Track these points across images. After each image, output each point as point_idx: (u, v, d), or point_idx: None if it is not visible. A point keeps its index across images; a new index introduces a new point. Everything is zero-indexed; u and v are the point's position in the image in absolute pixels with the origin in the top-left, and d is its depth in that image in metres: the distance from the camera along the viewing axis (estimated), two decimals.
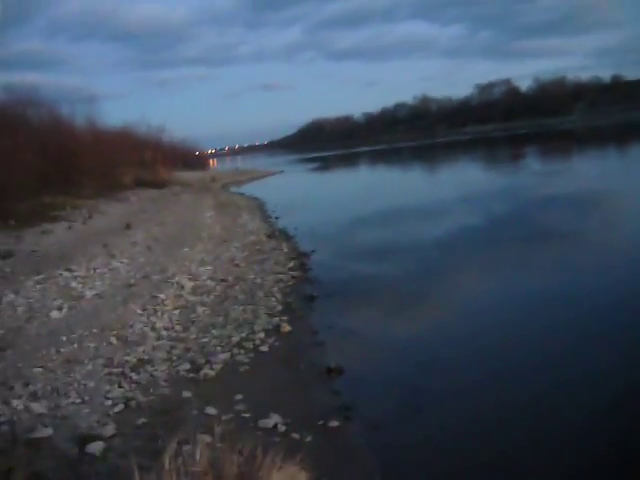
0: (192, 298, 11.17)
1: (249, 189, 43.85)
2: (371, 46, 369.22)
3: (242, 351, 8.61)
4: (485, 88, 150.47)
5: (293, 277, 13.30)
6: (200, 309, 10.47)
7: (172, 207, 27.82)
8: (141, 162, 46.21)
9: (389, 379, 7.72)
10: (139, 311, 10.02)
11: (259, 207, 29.70)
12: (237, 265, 14.18)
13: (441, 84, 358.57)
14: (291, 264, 14.59)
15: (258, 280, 12.77)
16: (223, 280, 12.69)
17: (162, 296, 10.84)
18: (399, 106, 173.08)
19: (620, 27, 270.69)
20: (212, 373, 7.76)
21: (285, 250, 16.56)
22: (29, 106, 32.67)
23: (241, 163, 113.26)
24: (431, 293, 11.78)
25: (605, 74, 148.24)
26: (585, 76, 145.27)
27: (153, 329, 9.33)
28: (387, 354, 8.62)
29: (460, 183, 32.16)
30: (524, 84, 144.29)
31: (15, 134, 25.70)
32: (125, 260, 13.95)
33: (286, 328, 9.58)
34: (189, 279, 12.29)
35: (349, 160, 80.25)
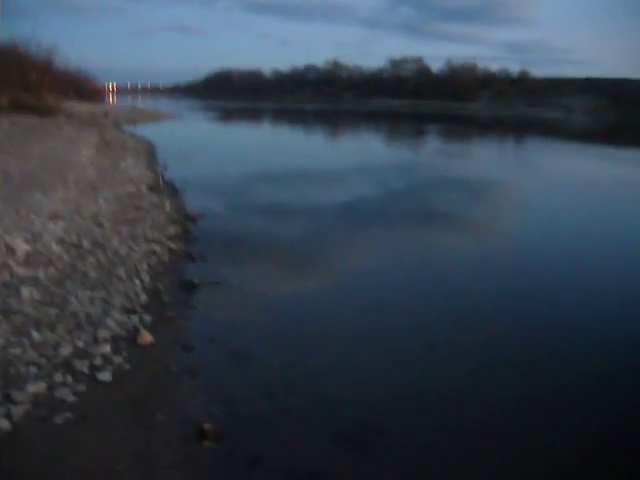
0: (21, 271, 7.83)
1: (143, 130, 39.65)
2: (291, 3, 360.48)
3: (69, 378, 5.49)
4: (397, 63, 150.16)
5: (171, 250, 10.20)
6: (26, 291, 7.17)
7: (46, 139, 23.69)
8: (24, 84, 40.97)
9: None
10: None
11: (148, 151, 25.99)
12: (100, 225, 10.83)
13: (354, 52, 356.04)
14: (172, 230, 11.44)
15: (123, 250, 9.54)
16: (75, 245, 9.38)
17: None
18: (309, 68, 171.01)
19: (531, 25, 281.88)
20: (5, 426, 4.63)
21: (167, 209, 13.35)
22: None
23: (141, 103, 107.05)
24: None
25: (513, 68, 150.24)
26: (494, 67, 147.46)
27: None
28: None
29: (359, 153, 31.73)
30: (435, 65, 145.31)
31: None
32: None
33: (146, 338, 6.51)
34: (26, 241, 8.89)
35: (253, 115, 77.75)
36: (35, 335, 6.12)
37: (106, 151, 23.31)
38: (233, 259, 10.34)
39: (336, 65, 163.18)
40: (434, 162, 28.32)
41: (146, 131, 38.91)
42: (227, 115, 73.11)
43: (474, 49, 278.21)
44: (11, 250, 8.35)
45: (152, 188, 15.66)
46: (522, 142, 46.51)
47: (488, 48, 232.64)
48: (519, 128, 61.22)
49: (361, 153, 31.68)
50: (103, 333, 6.42)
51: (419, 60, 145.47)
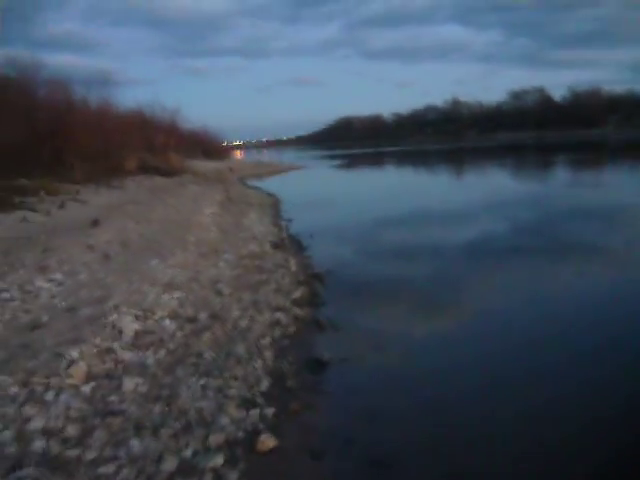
0: (126, 356, 6.88)
1: (268, 184, 39.59)
2: (407, 47, 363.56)
3: None
4: (518, 95, 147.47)
5: (297, 318, 9.02)
6: (130, 383, 6.17)
7: (171, 199, 23.57)
8: (151, 147, 42.06)
9: None
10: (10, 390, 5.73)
11: (273, 205, 25.40)
12: (219, 292, 9.86)
13: (473, 89, 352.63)
14: (298, 293, 10.29)
15: (244, 322, 8.47)
16: (190, 320, 8.41)
17: (74, 354, 6.53)
18: (429, 108, 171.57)
19: None
20: None
21: (293, 268, 12.29)
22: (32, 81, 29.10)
23: (266, 156, 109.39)
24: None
25: None
26: (620, 89, 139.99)
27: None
28: None
29: (487, 189, 30.06)
30: (557, 93, 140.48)
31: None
32: (59, 276, 9.68)
33: (267, 443, 5.27)
34: (136, 318, 8.00)
35: (376, 159, 77.16)
36: (134, 444, 5.04)
37: (229, 208, 22.86)
38: (366, 324, 9.04)
39: (456, 103, 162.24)
40: (565, 193, 26.48)
41: (271, 184, 38.81)
42: (350, 162, 72.59)
43: (596, 73, 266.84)
44: (118, 331, 7.45)
45: (276, 245, 14.73)
46: None
47: (611, 71, 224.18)
48: None
49: (488, 189, 30.23)
50: (216, 437, 5.25)
51: (540, 90, 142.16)
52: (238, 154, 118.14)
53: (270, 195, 30.52)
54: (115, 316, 7.75)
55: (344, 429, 5.71)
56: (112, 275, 10.00)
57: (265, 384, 6.56)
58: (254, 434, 5.42)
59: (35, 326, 7.39)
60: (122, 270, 10.41)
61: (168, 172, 37.70)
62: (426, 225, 19.12)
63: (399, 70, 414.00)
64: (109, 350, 6.92)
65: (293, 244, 15.56)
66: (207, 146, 66.71)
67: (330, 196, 30.49)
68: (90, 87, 36.56)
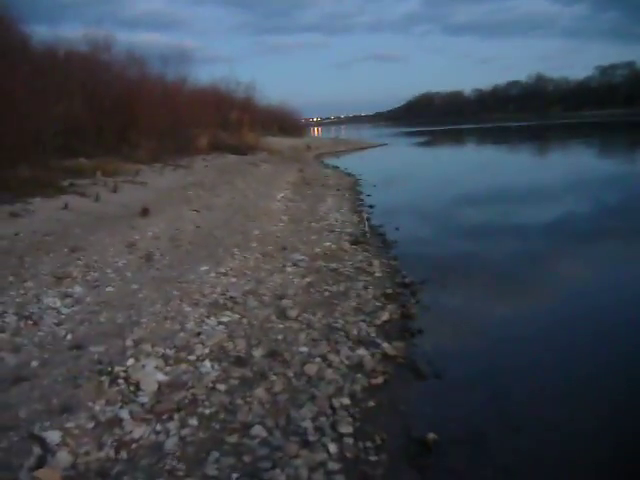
0: (139, 432, 4.60)
1: (346, 162, 37.10)
2: (489, 21, 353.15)
3: None
4: (606, 70, 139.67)
5: (385, 358, 6.57)
6: None
7: (239, 181, 21.42)
8: (224, 123, 40.14)
9: None
10: None
11: (352, 188, 22.90)
12: (283, 313, 7.49)
13: (558, 64, 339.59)
14: (385, 315, 7.81)
15: (313, 366, 6.09)
16: (239, 362, 6.08)
17: (54, 437, 4.24)
18: (512, 84, 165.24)
19: None
20: None
21: (377, 274, 9.87)
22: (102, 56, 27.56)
23: (344, 133, 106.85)
24: None
25: None
26: None
27: None
28: None
29: (572, 168, 28.53)
30: None
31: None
32: (77, 290, 7.54)
33: None
34: (164, 358, 5.74)
35: (457, 136, 74.15)
36: None
37: (304, 191, 20.55)
38: (478, 367, 6.58)
39: (540, 78, 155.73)
40: None
41: (350, 162, 36.36)
42: (430, 139, 69.43)
43: None
44: (134, 386, 5.20)
45: (356, 241, 12.30)
46: None
47: None
48: None
49: (573, 168, 28.46)
50: None
51: (631, 65, 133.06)
52: (316, 131, 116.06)
53: (349, 175, 28.05)
54: (132, 361, 5.50)
55: None
56: (147, 287, 7.80)
57: None
58: None
59: (17, 378, 5.21)
60: (162, 279, 8.20)
61: (241, 150, 35.77)
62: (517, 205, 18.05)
63: (481, 46, 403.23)
64: (113, 422, 4.67)
65: (376, 238, 13.10)
66: (284, 123, 64.58)
67: (414, 177, 27.89)
68: (167, 64, 35.01)
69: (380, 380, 6.00)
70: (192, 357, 5.93)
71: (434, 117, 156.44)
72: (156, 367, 5.54)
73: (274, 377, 5.76)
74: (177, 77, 35.13)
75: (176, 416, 4.93)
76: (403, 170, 31.96)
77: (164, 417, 4.90)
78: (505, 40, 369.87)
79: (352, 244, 12.00)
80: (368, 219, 15.28)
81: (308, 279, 9.22)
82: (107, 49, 27.76)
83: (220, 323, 6.87)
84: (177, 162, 25.66)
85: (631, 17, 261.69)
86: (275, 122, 59.94)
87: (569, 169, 28.30)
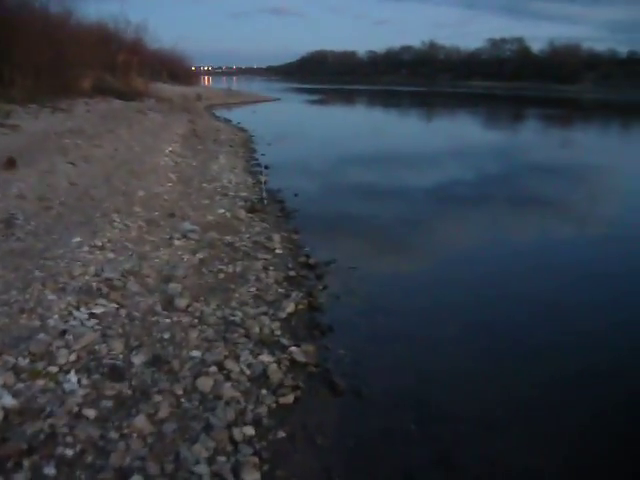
0: None
1: (238, 115, 35.48)
2: None
3: None
4: (496, 43, 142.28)
5: (294, 366, 5.48)
6: None
7: (124, 130, 19.54)
8: (111, 65, 37.33)
9: None
10: None
11: (245, 144, 21.55)
12: (171, 303, 6.24)
13: (452, 33, 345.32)
14: (290, 306, 6.72)
15: (207, 379, 4.93)
16: (114, 374, 4.79)
17: None
18: (405, 49, 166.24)
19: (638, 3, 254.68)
20: None
21: (278, 250, 8.77)
22: None
23: (236, 84, 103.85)
24: None
25: (620, 49, 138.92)
26: (599, 47, 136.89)
27: None
28: None
29: (457, 136, 30.23)
30: (536, 46, 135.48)
31: None
32: None
33: None
34: (15, 372, 4.40)
35: (349, 97, 73.86)
36: None
37: (195, 145, 19.02)
38: (406, 384, 5.65)
39: (432, 46, 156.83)
40: (532, 147, 26.30)
41: (242, 116, 34.80)
42: (323, 98, 68.71)
43: (577, 29, 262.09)
44: None
45: (253, 208, 11.09)
46: (630, 128, 40.87)
47: (591, 28, 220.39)
48: (627, 113, 55.18)
49: (457, 137, 29.62)
50: None
51: (519, 40, 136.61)
52: (206, 80, 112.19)
53: (242, 130, 26.59)
54: None
55: None
56: (3, 264, 6.31)
57: None
58: None
59: None
60: (23, 253, 6.72)
61: (128, 95, 33.36)
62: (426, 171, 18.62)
63: (377, 7, 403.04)
64: None
65: (274, 206, 11.93)
66: (175, 69, 61.39)
67: (308, 136, 26.86)
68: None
69: (290, 398, 4.92)
70: (53, 368, 4.60)
71: (327, 75, 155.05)
72: (3, 385, 4.20)
73: (159, 397, 4.54)
74: (61, 10, 32.02)
75: (26, 462, 3.65)
76: (298, 128, 30.77)
77: (9, 465, 3.61)
78: (402, 4, 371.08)
79: (248, 212, 10.82)
80: (265, 182, 14.05)
81: (200, 255, 7.96)
82: None
83: (92, 316, 5.53)
84: (56, 104, 23.25)
85: None
86: (165, 68, 56.85)
87: (455, 137, 29.46)
